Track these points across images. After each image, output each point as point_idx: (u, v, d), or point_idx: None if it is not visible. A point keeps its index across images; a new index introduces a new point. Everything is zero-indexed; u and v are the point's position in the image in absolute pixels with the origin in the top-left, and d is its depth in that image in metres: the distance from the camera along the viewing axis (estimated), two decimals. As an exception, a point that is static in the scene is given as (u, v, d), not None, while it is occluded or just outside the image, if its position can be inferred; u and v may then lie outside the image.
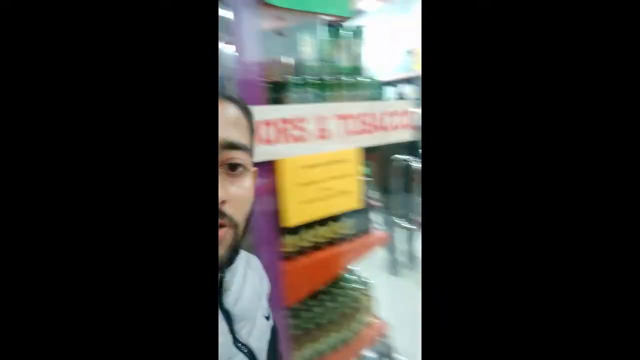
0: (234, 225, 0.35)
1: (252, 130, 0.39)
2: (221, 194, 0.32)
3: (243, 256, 0.47)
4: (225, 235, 0.34)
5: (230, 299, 0.40)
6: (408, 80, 3.22)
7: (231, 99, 0.37)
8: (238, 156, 0.35)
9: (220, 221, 0.33)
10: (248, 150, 0.36)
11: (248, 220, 0.37)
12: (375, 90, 1.05)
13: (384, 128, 1.03)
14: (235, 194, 0.34)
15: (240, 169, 0.35)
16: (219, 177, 0.33)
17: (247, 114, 0.38)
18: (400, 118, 1.06)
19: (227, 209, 0.33)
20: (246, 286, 0.43)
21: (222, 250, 0.34)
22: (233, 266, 0.40)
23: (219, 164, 0.33)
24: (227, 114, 0.35)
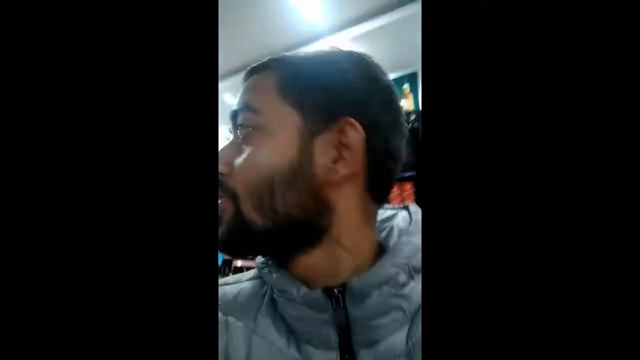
0: (231, 196, 0.29)
1: (290, 83, 0.31)
2: (222, 166, 0.30)
3: None
4: (223, 208, 0.30)
5: None
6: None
7: (265, 67, 0.32)
8: (243, 117, 0.30)
9: (220, 193, 0.30)
10: (257, 110, 0.30)
11: (262, 191, 0.29)
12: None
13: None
14: (237, 162, 0.30)
15: (246, 133, 0.30)
16: (233, 145, 0.31)
17: (284, 74, 0.31)
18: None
19: (225, 179, 0.30)
20: None
21: (223, 226, 0.30)
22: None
23: (235, 134, 0.31)
24: (251, 82, 0.32)
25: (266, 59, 0.32)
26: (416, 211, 0.34)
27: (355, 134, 0.29)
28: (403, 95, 1.99)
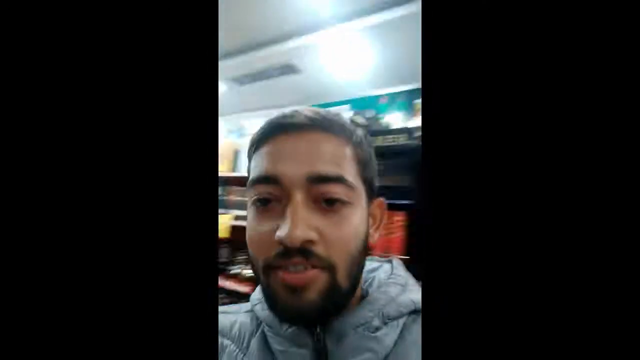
0: (328, 267, 0.30)
1: (360, 156, 0.35)
2: (309, 232, 0.30)
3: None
4: (312, 278, 0.30)
5: None
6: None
7: (325, 127, 0.33)
8: (333, 190, 0.31)
9: (305, 261, 0.30)
10: (345, 181, 0.32)
11: (355, 265, 0.32)
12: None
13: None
14: (331, 232, 0.31)
15: (337, 204, 0.31)
16: (312, 213, 0.31)
17: (353, 141, 0.35)
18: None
19: (316, 248, 0.30)
20: None
21: (313, 296, 0.30)
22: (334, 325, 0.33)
23: (312, 199, 0.31)
24: (319, 143, 0.32)
25: (315, 112, 0.34)
26: (397, 265, 0.40)
27: (383, 211, 0.37)
28: (414, 112, 1.86)
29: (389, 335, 0.32)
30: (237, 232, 2.17)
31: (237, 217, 2.21)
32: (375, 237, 0.36)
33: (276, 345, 0.34)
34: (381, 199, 0.37)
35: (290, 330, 0.33)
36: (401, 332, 0.33)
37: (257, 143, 0.34)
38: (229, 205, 2.31)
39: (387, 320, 0.33)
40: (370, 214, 0.36)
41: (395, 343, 0.32)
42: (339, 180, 0.31)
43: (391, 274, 0.38)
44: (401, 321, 0.34)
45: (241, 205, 2.25)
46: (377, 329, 0.32)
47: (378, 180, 0.37)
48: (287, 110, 0.34)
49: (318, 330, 0.32)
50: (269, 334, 0.35)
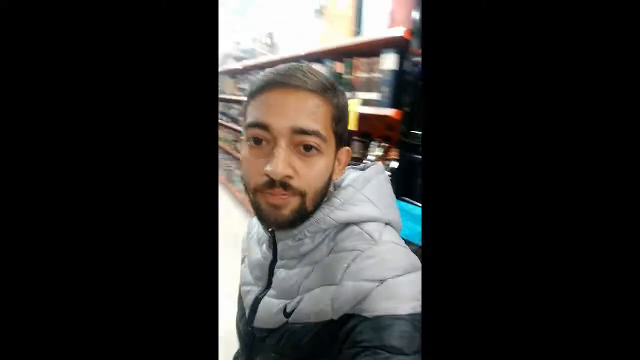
0: (299, 194, 0.43)
1: (335, 114, 0.45)
2: (288, 170, 0.41)
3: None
4: (287, 201, 0.43)
5: None
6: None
7: (308, 87, 0.43)
8: (310, 140, 0.42)
9: (283, 191, 0.42)
10: (319, 135, 0.42)
11: (319, 195, 0.45)
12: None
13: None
14: (305, 171, 0.42)
15: (312, 150, 0.43)
16: (292, 155, 0.42)
17: (331, 101, 0.44)
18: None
19: (292, 181, 0.42)
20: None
21: (286, 212, 0.43)
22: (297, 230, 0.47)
23: (294, 145, 0.42)
24: (302, 101, 0.42)
25: (303, 71, 0.44)
26: (353, 181, 0.51)
27: (347, 157, 0.50)
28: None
29: (307, 244, 0.47)
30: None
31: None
32: (338, 175, 0.49)
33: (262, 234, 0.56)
34: (348, 148, 0.49)
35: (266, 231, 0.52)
36: (322, 240, 0.47)
37: (255, 93, 0.44)
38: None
39: (308, 234, 0.46)
40: (337, 159, 0.48)
41: (314, 248, 0.47)
42: (315, 133, 0.42)
43: (341, 189, 0.49)
44: (321, 233, 0.47)
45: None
46: (300, 239, 0.47)
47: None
48: (282, 67, 0.45)
49: (270, 232, 0.51)
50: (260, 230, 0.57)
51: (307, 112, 0.42)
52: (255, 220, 0.61)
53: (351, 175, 0.52)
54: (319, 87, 0.43)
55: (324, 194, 0.47)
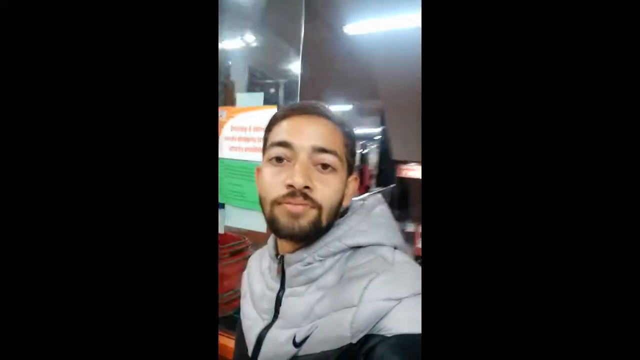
0: (317, 207, 0.45)
1: (347, 142, 0.50)
2: (309, 182, 0.44)
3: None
4: (306, 211, 0.45)
5: None
6: None
7: (327, 116, 0.48)
8: (327, 158, 0.46)
9: (303, 200, 0.44)
10: (337, 154, 0.46)
11: (333, 212, 0.47)
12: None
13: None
14: (322, 186, 0.45)
15: (329, 168, 0.46)
16: (312, 170, 0.46)
17: (344, 130, 0.50)
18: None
19: (311, 193, 0.45)
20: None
21: (304, 222, 0.45)
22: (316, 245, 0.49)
23: (313, 162, 0.46)
24: (322, 126, 0.47)
25: (319, 104, 0.50)
26: (359, 210, 0.53)
27: (356, 186, 0.52)
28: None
29: (317, 268, 0.48)
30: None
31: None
32: (347, 200, 0.51)
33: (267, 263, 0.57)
34: (356, 177, 0.52)
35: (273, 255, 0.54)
36: (332, 265, 0.48)
37: (279, 119, 0.49)
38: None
39: (318, 258, 0.47)
40: (347, 185, 0.50)
41: (324, 273, 0.48)
42: (332, 152, 0.46)
43: (347, 218, 0.51)
44: (331, 258, 0.48)
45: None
46: (309, 263, 0.48)
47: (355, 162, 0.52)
48: (298, 102, 0.62)
49: (279, 258, 0.51)
50: (265, 255, 0.59)
51: (325, 134, 0.47)
52: (256, 254, 0.62)
53: (354, 204, 0.54)
54: (333, 116, 0.49)
55: (337, 213, 0.49)
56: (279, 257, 0.51)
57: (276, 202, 0.45)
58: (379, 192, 0.57)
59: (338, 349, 0.41)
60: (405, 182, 2.14)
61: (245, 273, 0.64)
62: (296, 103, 0.50)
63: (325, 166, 0.46)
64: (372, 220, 0.50)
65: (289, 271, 0.49)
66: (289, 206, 0.45)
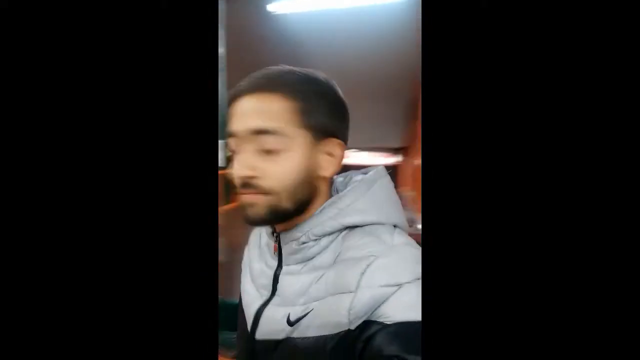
0: (270, 193, 0.43)
1: (306, 108, 0.44)
2: (247, 171, 0.43)
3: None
4: (259, 199, 0.43)
5: None
6: None
7: (271, 88, 0.43)
8: (267, 140, 0.43)
9: (250, 190, 0.43)
10: (278, 133, 0.43)
11: (298, 192, 0.44)
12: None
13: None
14: (271, 170, 0.43)
15: (273, 150, 0.43)
16: (255, 156, 0.43)
17: (298, 96, 0.44)
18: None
19: (257, 181, 0.43)
20: None
21: (260, 211, 0.43)
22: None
23: (257, 146, 0.43)
24: (263, 102, 0.43)
25: (270, 74, 0.45)
26: (356, 188, 0.50)
27: (340, 150, 0.48)
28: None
29: (313, 247, 0.46)
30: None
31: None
32: (330, 170, 0.47)
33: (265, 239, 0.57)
34: (339, 141, 0.47)
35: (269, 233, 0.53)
36: (328, 244, 0.46)
37: (229, 104, 0.46)
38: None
39: (313, 237, 0.45)
40: (326, 152, 0.47)
41: (320, 252, 0.46)
42: (273, 132, 0.43)
43: (345, 194, 0.48)
44: (327, 237, 0.46)
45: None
46: (304, 242, 0.46)
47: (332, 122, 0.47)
48: (251, 75, 0.46)
49: (276, 234, 0.50)
50: (263, 232, 0.57)
51: (265, 111, 0.43)
52: (257, 230, 0.61)
53: (354, 178, 0.52)
54: (280, 84, 0.43)
55: (308, 191, 0.46)
56: (275, 234, 0.50)
57: (238, 192, 0.45)
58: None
59: (336, 334, 0.41)
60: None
61: (246, 248, 0.63)
62: (252, 75, 0.45)
63: (266, 146, 0.43)
64: (371, 197, 0.47)
65: (285, 249, 0.48)
66: (243, 197, 0.44)
